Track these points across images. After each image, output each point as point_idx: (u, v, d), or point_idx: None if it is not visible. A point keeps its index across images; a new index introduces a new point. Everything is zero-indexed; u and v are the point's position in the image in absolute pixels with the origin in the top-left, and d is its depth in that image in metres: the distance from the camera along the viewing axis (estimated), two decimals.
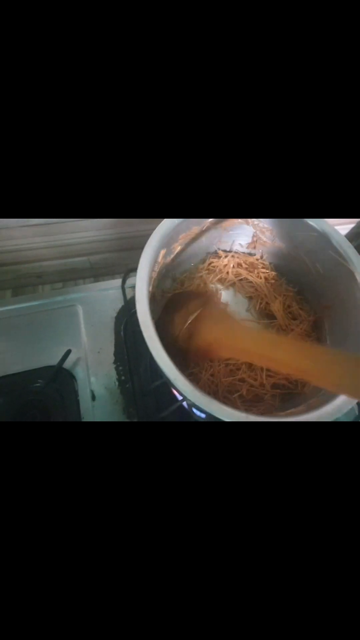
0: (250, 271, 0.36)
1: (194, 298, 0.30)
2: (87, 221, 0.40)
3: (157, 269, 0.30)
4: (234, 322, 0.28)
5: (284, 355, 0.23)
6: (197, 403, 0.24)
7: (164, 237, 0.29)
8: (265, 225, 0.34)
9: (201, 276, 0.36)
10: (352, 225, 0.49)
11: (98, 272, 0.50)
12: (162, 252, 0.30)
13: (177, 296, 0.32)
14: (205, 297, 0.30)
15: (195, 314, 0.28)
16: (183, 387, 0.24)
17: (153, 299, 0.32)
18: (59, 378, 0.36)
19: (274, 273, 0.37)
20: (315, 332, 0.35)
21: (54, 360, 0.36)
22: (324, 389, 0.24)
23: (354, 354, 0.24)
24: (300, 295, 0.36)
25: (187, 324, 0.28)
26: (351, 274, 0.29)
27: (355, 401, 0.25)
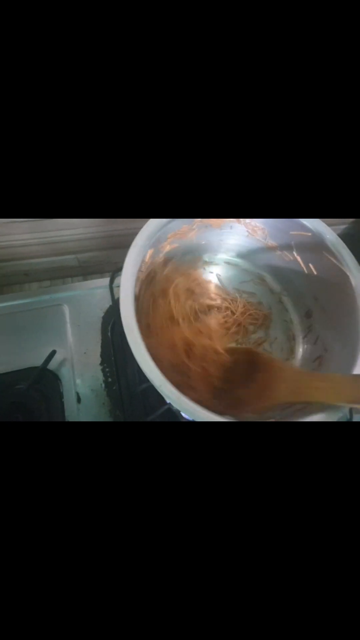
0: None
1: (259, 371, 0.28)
2: (75, 219, 0.39)
3: (144, 269, 0.29)
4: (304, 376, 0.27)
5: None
6: (182, 411, 0.23)
7: (151, 236, 0.27)
8: (258, 225, 0.33)
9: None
10: (344, 227, 0.48)
11: (87, 271, 0.49)
12: (150, 251, 0.29)
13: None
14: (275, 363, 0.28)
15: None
16: (169, 393, 0.23)
17: (141, 300, 0.31)
18: (43, 379, 0.34)
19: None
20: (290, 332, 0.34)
21: (38, 361, 0.35)
22: None
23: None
24: (291, 295, 0.36)
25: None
26: (345, 276, 0.29)
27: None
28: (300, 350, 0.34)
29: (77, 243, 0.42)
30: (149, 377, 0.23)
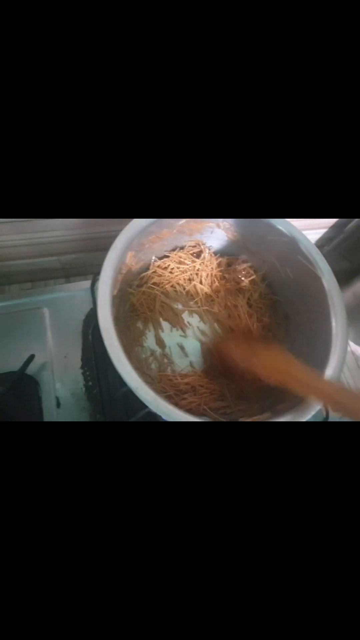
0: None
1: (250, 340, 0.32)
2: (56, 220, 0.38)
3: (124, 271, 0.29)
4: (291, 360, 0.29)
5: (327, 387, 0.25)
6: (159, 412, 0.23)
7: (131, 239, 0.28)
8: (237, 230, 0.33)
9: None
10: (324, 230, 0.50)
11: (70, 273, 0.48)
12: (130, 254, 0.29)
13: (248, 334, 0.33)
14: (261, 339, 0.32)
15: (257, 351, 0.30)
16: (145, 395, 0.23)
17: (120, 303, 0.31)
18: (21, 385, 0.34)
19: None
20: (272, 332, 0.35)
21: (16, 366, 0.34)
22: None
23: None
24: (269, 299, 0.36)
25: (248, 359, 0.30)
26: (318, 280, 0.29)
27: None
28: None
29: (58, 245, 0.42)
30: (125, 379, 0.23)
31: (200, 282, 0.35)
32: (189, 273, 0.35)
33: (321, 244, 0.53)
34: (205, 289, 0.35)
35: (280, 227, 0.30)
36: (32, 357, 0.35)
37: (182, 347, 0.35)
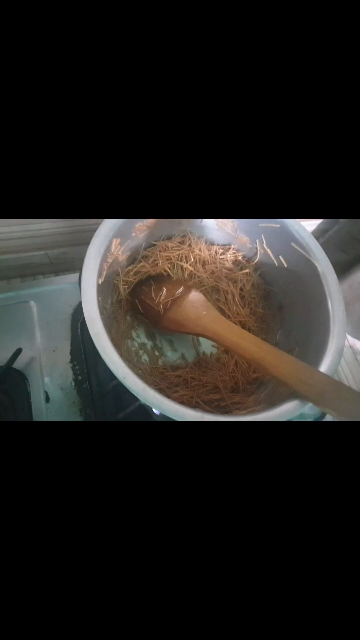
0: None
1: (174, 283, 0.32)
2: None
3: (110, 260, 0.28)
4: (213, 310, 0.30)
5: (247, 344, 0.27)
6: (148, 403, 0.22)
7: (116, 225, 0.27)
8: (227, 218, 0.32)
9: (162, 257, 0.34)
10: (318, 222, 0.49)
11: (59, 268, 0.47)
12: (116, 241, 0.28)
13: (159, 277, 0.34)
14: (184, 284, 0.32)
15: (178, 294, 0.31)
16: (133, 385, 0.22)
17: (108, 294, 0.30)
18: (9, 379, 0.33)
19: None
20: (265, 324, 0.34)
21: (3, 361, 0.33)
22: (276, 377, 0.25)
23: (296, 359, 0.26)
24: (263, 288, 0.35)
25: (167, 299, 0.31)
26: (313, 266, 0.29)
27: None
28: (273, 345, 0.34)
29: (45, 239, 0.41)
30: (111, 369, 0.22)
31: (186, 262, 0.34)
32: (174, 260, 0.34)
33: (316, 235, 0.52)
34: (190, 268, 0.34)
35: None
36: (19, 351, 0.34)
37: (170, 342, 0.34)
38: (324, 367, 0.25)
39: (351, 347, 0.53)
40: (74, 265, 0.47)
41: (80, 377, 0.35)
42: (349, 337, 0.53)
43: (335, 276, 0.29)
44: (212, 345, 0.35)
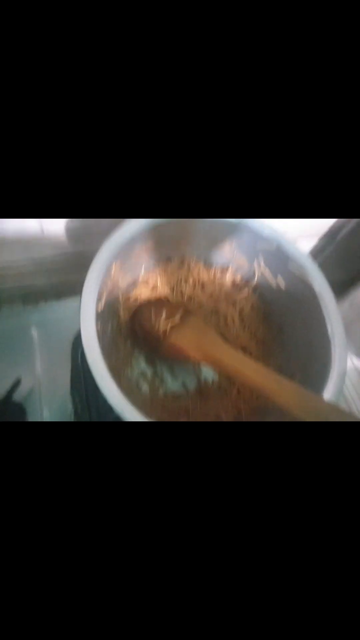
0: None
1: (174, 307, 0.32)
2: (44, 240, 0.38)
3: (110, 284, 0.28)
4: (213, 334, 0.30)
5: (248, 371, 0.26)
6: None
7: (115, 250, 0.27)
8: (224, 239, 0.33)
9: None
10: (314, 241, 0.49)
11: (61, 293, 0.47)
12: (116, 265, 0.28)
13: (159, 301, 0.33)
14: (184, 308, 0.32)
15: (178, 319, 0.31)
16: (132, 420, 0.22)
17: (108, 320, 0.30)
18: (7, 412, 0.32)
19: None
20: (267, 347, 0.34)
21: (2, 391, 0.32)
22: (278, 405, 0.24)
23: (299, 386, 0.25)
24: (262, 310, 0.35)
25: (166, 324, 0.31)
26: (311, 288, 0.28)
27: None
28: (275, 369, 0.33)
29: (48, 264, 0.41)
30: (109, 403, 0.22)
31: (184, 284, 0.34)
32: (173, 283, 0.34)
33: (313, 254, 0.53)
34: (189, 290, 0.34)
35: (267, 235, 0.30)
36: (18, 382, 0.33)
37: (171, 369, 0.34)
38: (327, 394, 0.24)
39: (356, 368, 0.52)
40: (76, 289, 0.47)
41: (80, 408, 0.34)
42: (353, 357, 0.52)
43: (333, 296, 0.29)
44: (214, 371, 0.34)
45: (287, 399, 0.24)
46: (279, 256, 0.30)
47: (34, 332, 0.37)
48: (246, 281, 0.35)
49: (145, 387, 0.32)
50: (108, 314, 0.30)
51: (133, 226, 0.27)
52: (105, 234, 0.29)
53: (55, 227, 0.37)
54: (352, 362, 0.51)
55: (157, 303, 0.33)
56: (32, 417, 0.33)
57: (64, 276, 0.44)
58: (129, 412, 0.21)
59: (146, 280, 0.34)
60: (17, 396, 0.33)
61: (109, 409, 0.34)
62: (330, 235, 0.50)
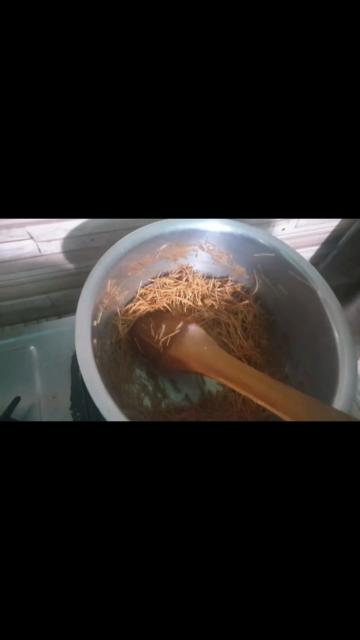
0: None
1: (173, 319, 0.32)
2: (42, 258, 0.38)
3: (106, 301, 0.28)
4: (215, 346, 0.29)
5: (253, 381, 0.25)
6: None
7: (109, 267, 0.27)
8: (221, 250, 0.32)
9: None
10: (316, 248, 0.49)
11: (61, 310, 0.47)
12: (111, 282, 0.28)
13: (158, 314, 0.33)
14: (183, 319, 0.31)
15: (178, 330, 0.30)
16: None
17: (107, 335, 0.30)
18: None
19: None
20: (272, 356, 0.33)
21: (1, 410, 0.32)
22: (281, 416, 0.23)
23: (307, 396, 0.24)
24: (265, 319, 0.34)
25: (166, 336, 0.30)
26: (313, 293, 0.28)
27: None
28: (282, 379, 0.32)
29: (47, 282, 0.41)
30: (107, 420, 0.21)
31: (184, 297, 0.34)
32: (172, 296, 0.33)
33: (316, 261, 0.52)
34: (189, 302, 0.33)
35: (264, 243, 0.29)
36: (17, 400, 0.32)
37: (173, 381, 0.33)
38: (338, 403, 0.23)
39: None
40: (76, 306, 0.47)
41: None
42: None
43: (338, 302, 0.28)
44: (218, 383, 0.33)
45: (295, 410, 0.22)
46: (279, 264, 0.30)
47: (33, 350, 0.37)
48: (247, 290, 0.35)
49: (147, 401, 0.31)
50: (106, 330, 0.30)
51: (127, 242, 0.27)
52: (104, 250, 0.29)
53: (53, 247, 0.37)
54: None
55: (156, 315, 0.32)
56: None
57: (64, 293, 0.44)
58: None
59: (144, 294, 0.34)
60: (17, 415, 0.32)
61: None
62: (330, 242, 0.49)
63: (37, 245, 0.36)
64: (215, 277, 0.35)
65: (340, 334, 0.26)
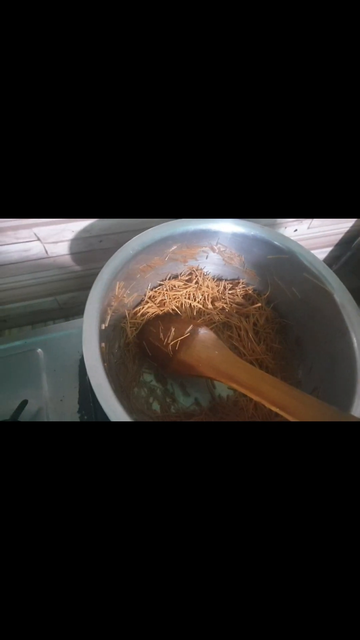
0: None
1: (183, 322, 0.31)
2: (49, 259, 0.38)
3: (114, 303, 0.27)
4: (226, 349, 0.28)
5: (265, 387, 0.24)
6: None
7: (117, 269, 0.26)
8: (233, 252, 0.31)
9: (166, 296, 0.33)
10: (329, 249, 0.48)
11: (69, 312, 0.47)
12: (119, 284, 0.27)
13: (167, 316, 0.32)
14: (193, 322, 0.31)
15: (187, 333, 0.29)
16: None
17: (115, 338, 0.29)
18: None
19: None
20: (284, 360, 0.32)
21: (8, 414, 0.31)
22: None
23: (323, 403, 0.23)
24: (277, 323, 0.33)
25: (175, 339, 0.29)
26: (329, 296, 0.26)
27: None
28: (295, 384, 0.31)
29: (54, 284, 0.41)
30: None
31: (194, 299, 0.33)
32: (182, 299, 0.32)
33: (328, 263, 0.51)
34: (199, 305, 0.33)
35: (278, 245, 0.28)
36: (24, 403, 0.32)
37: (183, 385, 0.32)
38: (357, 410, 0.22)
39: None
40: (83, 309, 0.47)
41: None
42: None
43: (355, 304, 0.27)
44: (229, 387, 0.32)
45: (309, 417, 0.21)
46: (293, 265, 0.29)
47: (40, 353, 0.36)
48: (258, 293, 0.34)
49: (155, 405, 0.30)
50: (114, 333, 0.29)
51: (135, 244, 0.27)
52: (112, 252, 0.29)
53: (60, 249, 0.37)
54: None
55: (165, 319, 0.32)
56: None
57: (71, 296, 0.44)
58: None
59: (153, 296, 0.33)
60: (25, 418, 0.32)
61: None
62: (344, 244, 0.48)
63: (44, 247, 0.35)
64: (226, 279, 0.34)
65: (358, 338, 0.25)
